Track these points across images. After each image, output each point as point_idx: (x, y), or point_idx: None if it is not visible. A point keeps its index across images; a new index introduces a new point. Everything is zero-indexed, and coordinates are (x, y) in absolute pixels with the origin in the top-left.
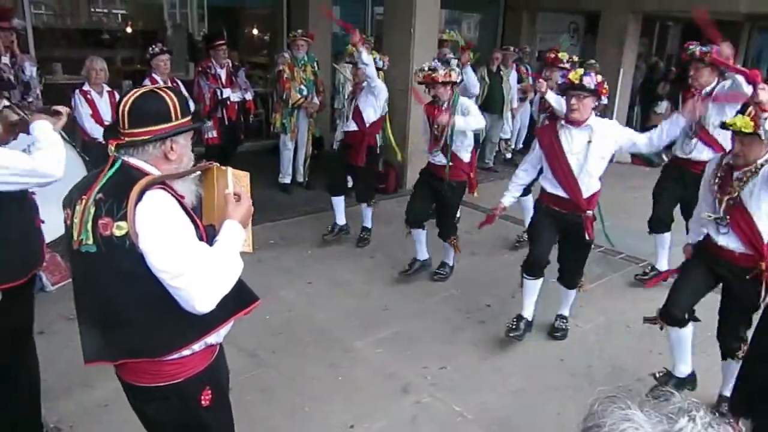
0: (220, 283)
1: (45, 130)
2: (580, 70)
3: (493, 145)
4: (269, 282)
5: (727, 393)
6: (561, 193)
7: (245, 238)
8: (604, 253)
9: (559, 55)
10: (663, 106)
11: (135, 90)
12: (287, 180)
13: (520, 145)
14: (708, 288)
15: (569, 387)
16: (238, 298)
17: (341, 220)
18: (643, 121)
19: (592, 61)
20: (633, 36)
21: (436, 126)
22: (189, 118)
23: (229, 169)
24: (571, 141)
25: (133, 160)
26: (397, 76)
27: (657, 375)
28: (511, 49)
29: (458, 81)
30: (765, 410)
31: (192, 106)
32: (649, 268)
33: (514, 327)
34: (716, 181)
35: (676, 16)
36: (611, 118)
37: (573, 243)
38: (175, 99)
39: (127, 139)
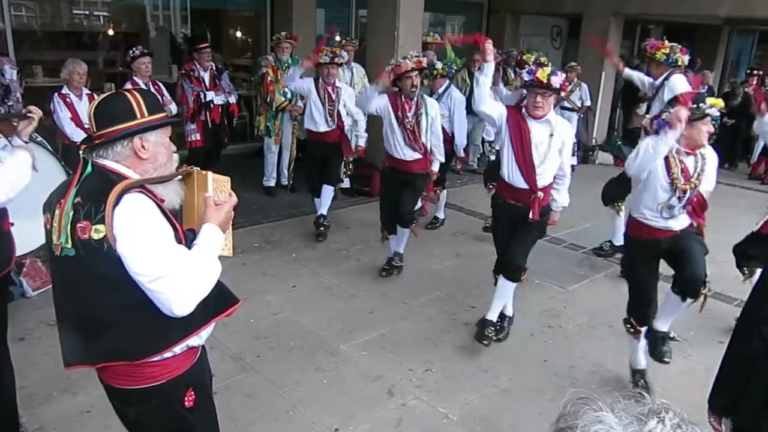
0: (198, 286)
1: (15, 156)
2: (548, 69)
3: (476, 147)
4: (253, 285)
5: (664, 328)
6: (519, 183)
7: (225, 241)
8: (587, 255)
9: (524, 57)
10: (644, 107)
11: (100, 95)
12: (272, 183)
13: None
14: (657, 279)
15: (552, 387)
16: (219, 301)
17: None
18: (625, 123)
19: (573, 64)
20: (615, 39)
21: (408, 120)
22: (160, 115)
23: (210, 174)
24: (535, 133)
25: (107, 162)
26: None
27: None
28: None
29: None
30: (747, 410)
31: (174, 108)
32: (608, 245)
33: (484, 332)
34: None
35: (658, 19)
36: (594, 121)
37: (522, 227)
38: (139, 97)
39: (96, 141)
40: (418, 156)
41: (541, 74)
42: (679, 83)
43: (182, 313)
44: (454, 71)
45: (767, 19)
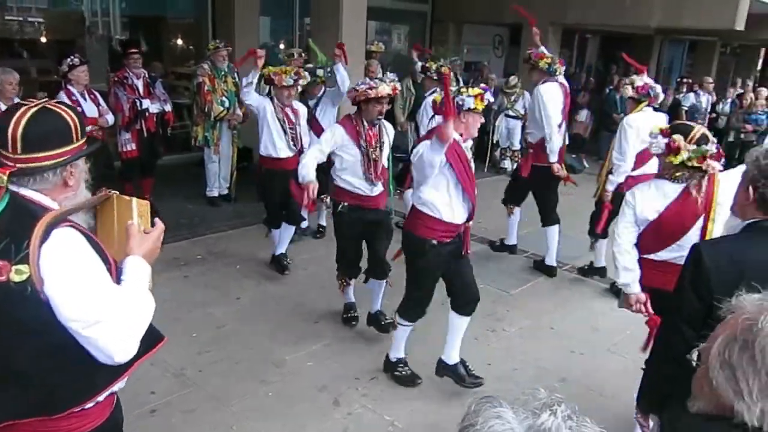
0: (136, 328)
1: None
2: (481, 103)
3: None
4: (196, 298)
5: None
6: (462, 215)
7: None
8: (529, 259)
9: (428, 64)
10: (583, 114)
11: (22, 108)
12: (215, 193)
13: None
14: None
15: (496, 390)
16: (147, 339)
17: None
18: (566, 129)
19: (514, 81)
20: (554, 48)
21: (373, 149)
22: (85, 138)
23: (134, 200)
24: (467, 153)
25: (26, 192)
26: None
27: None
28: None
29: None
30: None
31: (111, 118)
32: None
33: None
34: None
35: (594, 28)
36: None
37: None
38: (75, 117)
39: (19, 165)
40: (381, 189)
41: (478, 104)
42: (546, 90)
43: (124, 359)
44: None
45: (694, 29)
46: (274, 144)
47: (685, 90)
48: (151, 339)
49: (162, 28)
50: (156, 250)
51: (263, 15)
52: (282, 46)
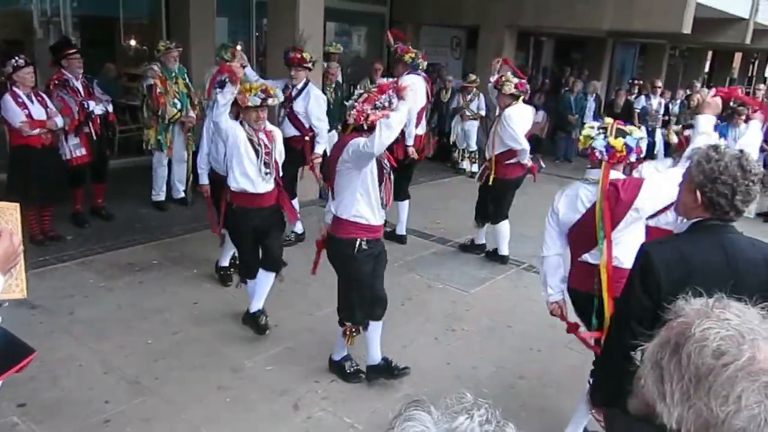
0: None
1: None
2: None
3: None
4: (152, 304)
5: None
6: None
7: (14, 280)
8: (487, 257)
9: (303, 55)
10: (539, 115)
11: None
12: (161, 198)
13: None
14: None
15: (455, 390)
16: (8, 355)
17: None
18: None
19: (473, 77)
20: (509, 50)
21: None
22: None
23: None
24: None
25: None
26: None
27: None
28: None
29: None
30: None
31: (60, 121)
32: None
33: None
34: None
35: (549, 31)
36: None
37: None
38: None
39: None
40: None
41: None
42: (408, 80)
43: None
44: None
45: (644, 32)
46: (246, 175)
47: (636, 92)
48: (16, 353)
49: (115, 28)
50: (10, 255)
51: (219, 16)
52: (239, 47)
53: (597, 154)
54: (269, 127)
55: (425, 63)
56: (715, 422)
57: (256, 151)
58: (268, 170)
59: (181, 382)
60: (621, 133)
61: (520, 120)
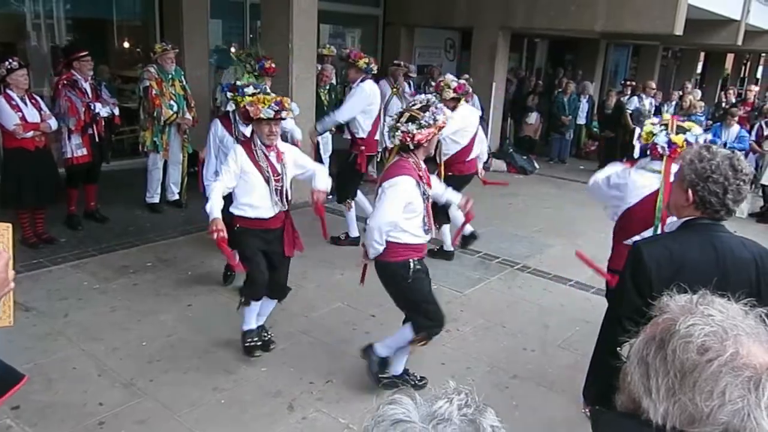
0: None
1: None
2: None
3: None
4: (146, 306)
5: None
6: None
7: (0, 310)
8: (482, 259)
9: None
10: (533, 117)
11: None
12: (156, 200)
13: None
14: None
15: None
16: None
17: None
18: (516, 132)
19: (467, 76)
20: (503, 52)
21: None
22: None
23: None
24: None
25: None
26: (277, 91)
27: None
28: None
29: None
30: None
31: (54, 123)
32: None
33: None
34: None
35: (542, 33)
36: (486, 130)
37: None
38: None
39: None
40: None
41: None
42: (368, 87)
43: None
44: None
45: (636, 33)
46: (252, 204)
47: (629, 92)
48: (6, 382)
49: (108, 30)
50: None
51: (213, 17)
52: (233, 49)
53: (659, 149)
54: (282, 147)
55: (375, 67)
56: (700, 416)
57: (265, 175)
58: (278, 199)
59: (176, 384)
60: (681, 130)
61: (459, 121)
